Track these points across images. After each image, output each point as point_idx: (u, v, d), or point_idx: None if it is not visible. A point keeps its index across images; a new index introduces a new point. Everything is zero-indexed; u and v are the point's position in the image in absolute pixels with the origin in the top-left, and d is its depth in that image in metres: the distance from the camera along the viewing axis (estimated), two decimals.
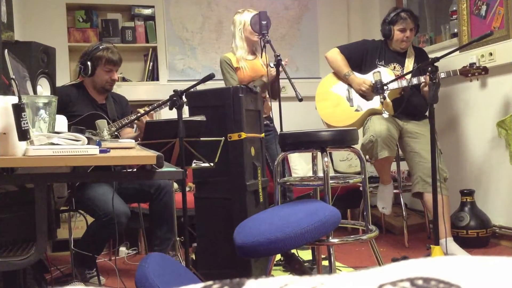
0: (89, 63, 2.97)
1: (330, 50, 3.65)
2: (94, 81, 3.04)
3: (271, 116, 3.46)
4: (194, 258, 2.80)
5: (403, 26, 3.44)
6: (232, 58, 3.49)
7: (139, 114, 2.90)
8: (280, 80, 3.21)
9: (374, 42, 3.66)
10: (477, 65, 3.36)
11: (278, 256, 2.85)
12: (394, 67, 3.51)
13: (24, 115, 1.36)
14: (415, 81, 3.29)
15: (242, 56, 3.47)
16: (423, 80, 3.27)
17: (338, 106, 3.56)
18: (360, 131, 3.14)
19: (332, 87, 3.62)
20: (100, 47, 3.02)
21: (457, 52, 3.04)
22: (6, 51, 1.56)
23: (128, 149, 1.78)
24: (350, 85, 3.54)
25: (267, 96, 3.53)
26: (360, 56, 3.59)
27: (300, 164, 4.37)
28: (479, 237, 3.34)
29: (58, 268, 2.87)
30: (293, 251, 2.72)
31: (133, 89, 4.35)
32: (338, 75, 3.60)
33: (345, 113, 3.52)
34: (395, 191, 3.58)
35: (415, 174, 3.29)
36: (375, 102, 3.44)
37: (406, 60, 3.51)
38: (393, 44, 3.53)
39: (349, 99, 3.54)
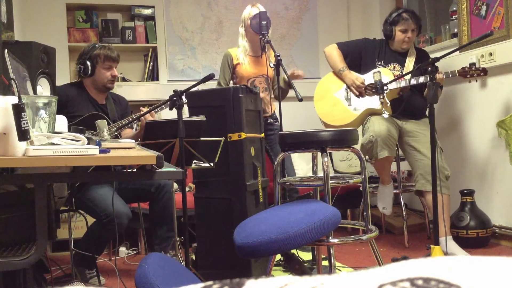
0: (88, 62, 2.97)
1: (328, 46, 3.65)
2: (95, 80, 3.03)
3: (275, 114, 3.42)
4: (194, 258, 2.80)
5: (404, 27, 3.42)
6: (233, 54, 3.44)
7: (140, 114, 2.90)
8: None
9: (374, 41, 3.64)
10: (477, 65, 3.35)
11: (278, 256, 2.85)
12: (394, 67, 3.50)
13: (24, 115, 1.36)
14: (413, 81, 3.28)
15: (243, 52, 3.42)
16: (422, 81, 3.26)
17: (336, 105, 3.55)
18: (359, 131, 3.14)
19: (330, 86, 3.61)
20: (97, 46, 3.04)
21: (457, 52, 3.04)
22: (6, 51, 1.56)
23: (128, 149, 1.78)
24: (343, 80, 3.53)
25: (272, 95, 3.48)
26: (358, 54, 3.57)
27: (300, 164, 4.36)
28: (479, 237, 3.34)
29: (60, 266, 2.86)
30: (293, 251, 2.73)
31: (133, 89, 4.35)
32: (334, 71, 3.60)
33: (343, 113, 3.51)
34: (395, 191, 3.58)
35: (416, 172, 3.29)
36: (374, 102, 3.43)
37: (407, 60, 3.49)
38: (394, 44, 3.51)
39: (347, 99, 3.54)
